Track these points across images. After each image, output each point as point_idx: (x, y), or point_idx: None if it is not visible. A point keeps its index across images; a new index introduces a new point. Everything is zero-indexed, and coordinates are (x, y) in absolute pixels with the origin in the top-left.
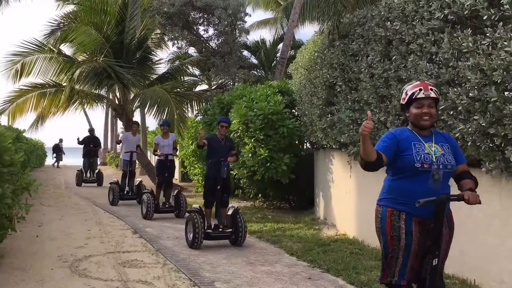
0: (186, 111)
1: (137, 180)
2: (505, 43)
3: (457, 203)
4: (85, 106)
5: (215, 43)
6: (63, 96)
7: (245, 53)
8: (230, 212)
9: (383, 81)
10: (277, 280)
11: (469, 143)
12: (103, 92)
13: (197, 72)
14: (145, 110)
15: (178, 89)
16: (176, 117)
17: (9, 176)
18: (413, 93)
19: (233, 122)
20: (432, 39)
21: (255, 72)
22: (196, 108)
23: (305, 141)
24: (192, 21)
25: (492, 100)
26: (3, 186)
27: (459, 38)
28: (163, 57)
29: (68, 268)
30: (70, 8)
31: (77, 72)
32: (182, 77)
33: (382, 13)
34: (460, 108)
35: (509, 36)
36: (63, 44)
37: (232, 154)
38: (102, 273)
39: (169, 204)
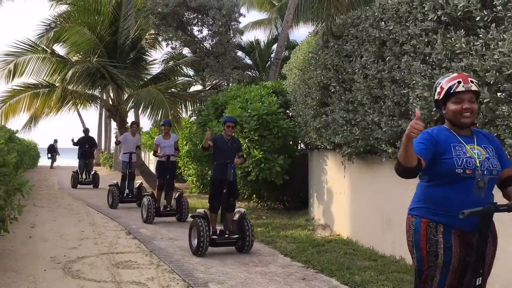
0: (180, 111)
1: (137, 182)
2: (498, 44)
3: None
4: (78, 107)
5: (209, 43)
6: (55, 96)
7: (240, 53)
8: (236, 217)
9: (377, 82)
10: (271, 281)
11: None
12: (96, 92)
13: (191, 72)
14: (139, 111)
15: (173, 90)
16: (170, 117)
17: (1, 177)
18: (450, 87)
19: None
20: (426, 40)
21: (250, 73)
22: (190, 109)
23: (299, 141)
24: (186, 22)
25: (485, 101)
26: None
27: (452, 39)
28: (157, 57)
29: (61, 269)
30: (63, 8)
31: (70, 72)
32: (176, 78)
33: (376, 13)
34: None
35: (502, 37)
36: (56, 44)
37: (239, 155)
38: (96, 274)
39: (170, 207)
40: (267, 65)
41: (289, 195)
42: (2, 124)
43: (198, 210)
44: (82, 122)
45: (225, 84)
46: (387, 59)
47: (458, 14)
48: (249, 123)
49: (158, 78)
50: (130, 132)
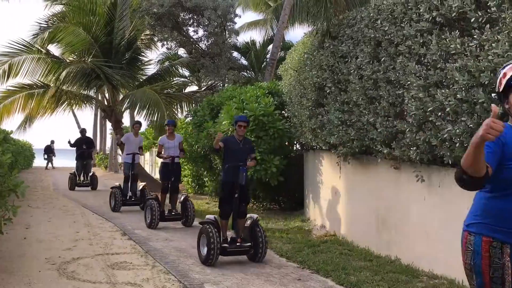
0: (176, 112)
1: (141, 184)
2: (492, 45)
3: (436, 202)
4: (73, 107)
5: (205, 44)
6: (47, 97)
7: (235, 54)
8: (248, 223)
9: (372, 82)
10: (266, 282)
11: (457, 144)
12: (91, 93)
13: (187, 73)
14: (135, 112)
15: (168, 90)
16: (166, 118)
17: None
18: None
19: (223, 123)
20: (421, 41)
21: (245, 74)
22: (186, 109)
23: (295, 142)
24: (181, 22)
25: (479, 101)
26: None
27: (447, 40)
28: (153, 58)
29: (56, 270)
30: (58, 8)
31: (64, 72)
32: (171, 78)
33: (371, 14)
34: (448, 109)
35: (496, 38)
36: (51, 44)
37: (252, 157)
38: (91, 275)
39: (175, 211)
40: (262, 65)
41: (284, 195)
42: None
43: (207, 216)
44: (77, 123)
45: (221, 84)
46: (382, 59)
47: (452, 15)
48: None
49: (154, 78)
50: (133, 132)
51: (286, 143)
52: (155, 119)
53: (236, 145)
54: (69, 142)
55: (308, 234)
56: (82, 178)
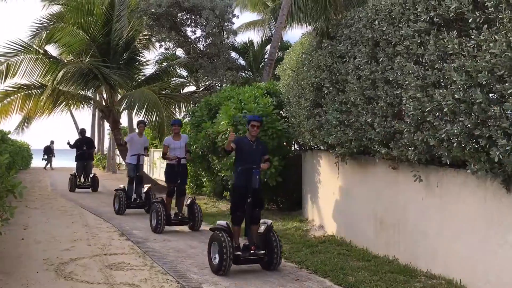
0: (174, 112)
1: (146, 186)
2: (490, 45)
3: (430, 204)
4: (71, 108)
5: (203, 44)
6: (44, 97)
7: (233, 54)
8: (262, 230)
9: (370, 82)
10: (265, 282)
11: (454, 144)
12: (89, 93)
13: (185, 73)
14: (133, 112)
15: (167, 90)
16: (165, 118)
17: None
18: None
19: (222, 123)
20: (418, 41)
21: (243, 74)
22: (184, 110)
23: (293, 142)
24: (179, 22)
25: (477, 101)
26: None
27: (444, 40)
28: (151, 58)
29: (53, 271)
30: (56, 8)
31: (62, 73)
32: (169, 79)
33: (369, 14)
34: (445, 109)
35: (493, 38)
36: (49, 44)
37: (265, 159)
38: (89, 276)
39: (182, 215)
40: (260, 66)
41: (283, 196)
42: None
43: (218, 222)
44: (75, 123)
45: (219, 85)
46: (380, 60)
47: (450, 15)
48: (244, 124)
49: (152, 79)
50: (137, 132)
51: (284, 144)
52: (153, 119)
53: (249, 146)
54: (68, 143)
55: (306, 235)
56: (82, 180)
